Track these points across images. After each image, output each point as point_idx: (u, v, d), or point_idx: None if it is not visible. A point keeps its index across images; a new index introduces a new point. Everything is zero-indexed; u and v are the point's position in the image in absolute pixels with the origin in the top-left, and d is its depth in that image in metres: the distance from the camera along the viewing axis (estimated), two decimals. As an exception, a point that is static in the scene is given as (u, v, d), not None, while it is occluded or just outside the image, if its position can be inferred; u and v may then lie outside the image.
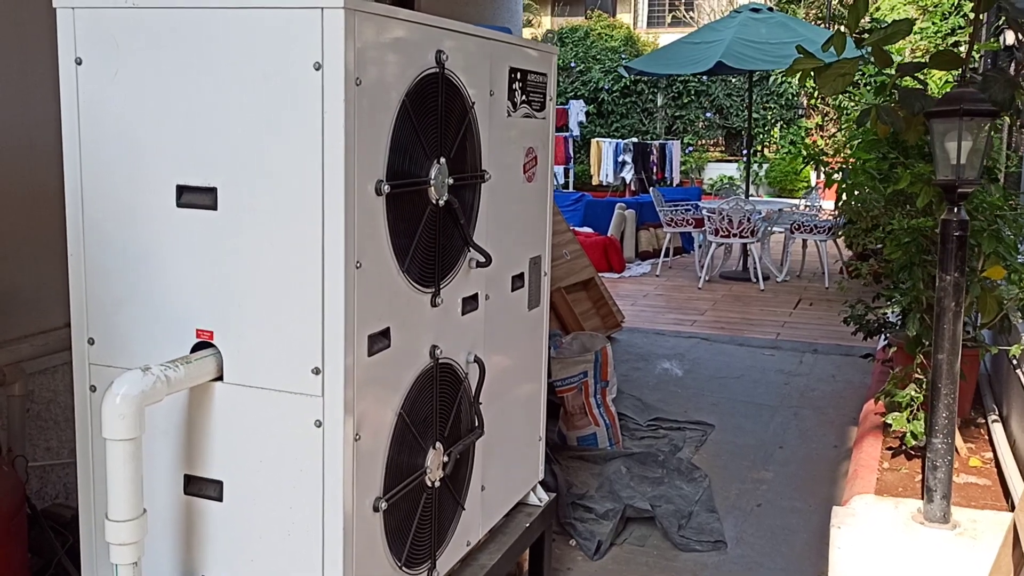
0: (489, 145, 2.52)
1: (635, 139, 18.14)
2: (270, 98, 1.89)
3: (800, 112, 17.89)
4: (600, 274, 9.84)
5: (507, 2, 7.45)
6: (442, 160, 2.24)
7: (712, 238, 9.01)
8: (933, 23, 15.58)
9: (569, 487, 3.95)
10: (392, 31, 2.01)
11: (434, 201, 2.22)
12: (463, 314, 2.45)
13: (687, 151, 18.40)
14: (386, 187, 2.00)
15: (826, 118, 17.75)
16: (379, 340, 2.04)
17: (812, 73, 3.51)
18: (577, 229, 10.66)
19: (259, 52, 1.89)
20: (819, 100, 17.65)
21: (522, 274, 2.87)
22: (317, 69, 1.85)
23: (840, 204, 4.89)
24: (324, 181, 1.87)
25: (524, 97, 2.76)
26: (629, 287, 9.13)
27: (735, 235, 8.89)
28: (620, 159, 17.70)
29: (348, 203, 1.88)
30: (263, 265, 1.94)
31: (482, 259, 2.44)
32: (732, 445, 4.73)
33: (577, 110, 18.11)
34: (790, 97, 17.78)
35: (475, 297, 2.51)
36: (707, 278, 9.29)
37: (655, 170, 17.61)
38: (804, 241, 9.44)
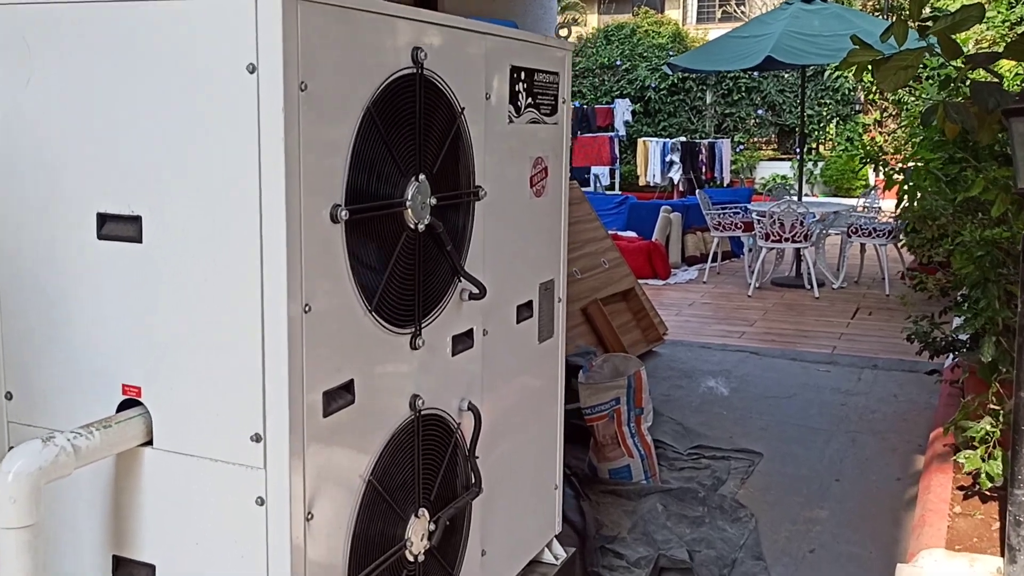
0: (485, 157, 2.17)
1: (683, 138, 17.63)
2: (199, 108, 1.56)
3: (857, 108, 17.20)
4: (644, 281, 9.43)
5: (541, -2, 7.08)
6: (421, 177, 1.89)
7: (763, 243, 8.53)
8: (999, 12, 14.80)
9: (599, 528, 3.58)
10: (352, 25, 1.66)
11: (412, 226, 1.88)
12: (454, 355, 2.10)
13: (737, 150, 17.83)
14: (344, 212, 1.65)
15: (885, 114, 17.04)
16: (339, 396, 1.70)
17: (870, 67, 3.10)
18: (620, 233, 10.27)
19: (186, 52, 1.57)
20: (878, 95, 16.95)
21: (530, 302, 2.51)
22: (252, 72, 1.51)
23: (901, 208, 4.44)
24: (262, 208, 1.54)
25: (530, 100, 2.40)
26: (674, 295, 8.70)
27: (787, 239, 8.41)
28: (668, 159, 17.21)
29: (291, 233, 1.54)
30: (196, 309, 1.61)
31: (475, 290, 2.09)
32: (782, 477, 4.30)
33: (623, 109, 17.67)
34: (847, 92, 17.11)
35: (469, 334, 2.16)
36: (757, 285, 8.81)
37: (704, 170, 17.09)
38: (862, 245, 8.91)
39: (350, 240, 1.69)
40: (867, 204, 9.63)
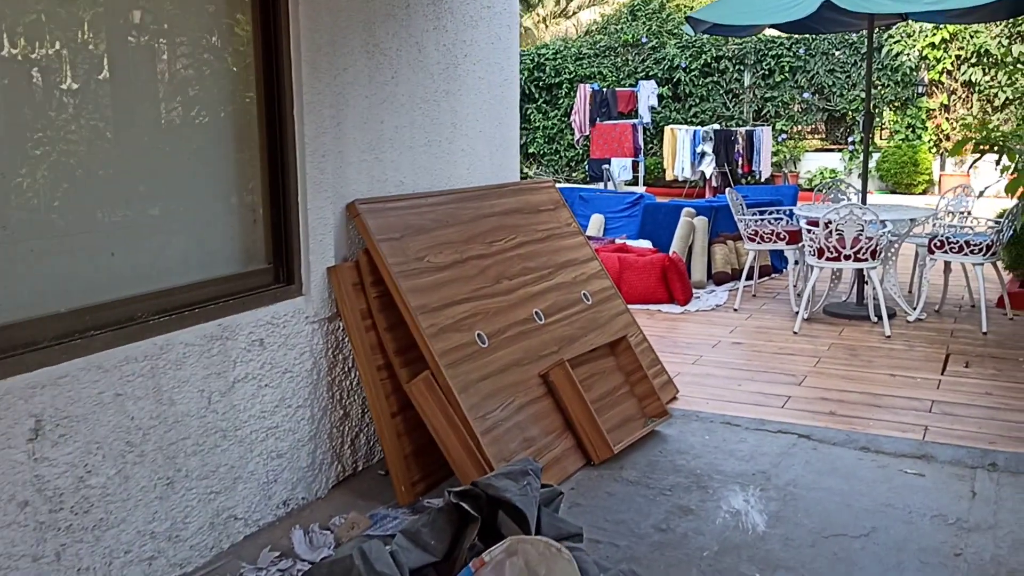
0: None
1: (717, 126, 15.38)
2: None
3: (920, 90, 14.80)
4: (657, 307, 7.28)
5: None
6: None
7: (814, 261, 6.33)
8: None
9: None
10: None
11: None
12: None
13: (780, 139, 15.51)
14: None
15: (954, 97, 14.62)
16: None
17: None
18: (630, 243, 8.11)
19: None
20: (944, 75, 14.54)
21: None
22: None
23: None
24: None
25: None
26: (694, 329, 6.53)
27: (848, 257, 6.20)
28: (699, 150, 14.98)
29: None
30: None
31: None
32: None
33: (648, 92, 15.44)
34: (907, 72, 14.72)
35: None
36: (806, 316, 6.62)
37: (741, 163, 14.82)
38: (947, 264, 6.65)
39: None
40: (953, 207, 7.35)
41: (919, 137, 14.64)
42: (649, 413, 4.53)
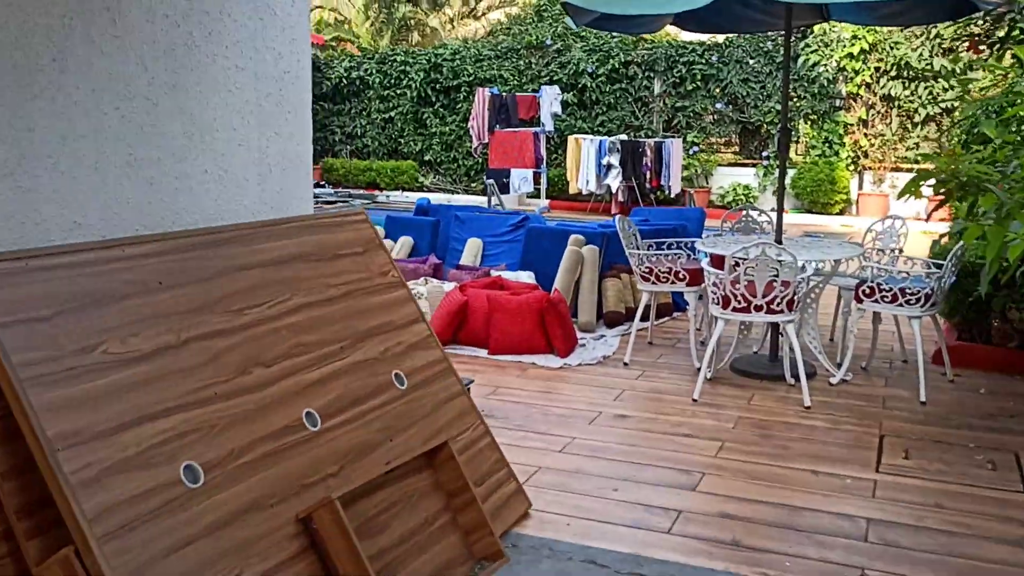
0: None
1: (624, 136, 14.23)
2: None
3: (838, 103, 13.90)
4: (532, 359, 5.96)
5: None
6: None
7: (719, 312, 5.08)
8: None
9: None
10: None
11: None
12: None
13: (691, 152, 14.45)
14: None
15: (872, 111, 13.76)
16: None
17: None
18: (506, 276, 6.77)
19: None
20: (863, 88, 13.65)
21: None
22: None
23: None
24: None
25: None
26: (571, 394, 5.21)
27: (759, 308, 4.97)
28: (605, 161, 13.81)
29: None
30: None
31: None
32: None
33: (550, 98, 14.21)
34: (824, 84, 13.80)
35: None
36: (709, 374, 5.38)
37: (649, 176, 13.69)
38: (876, 315, 5.49)
39: None
40: (882, 241, 6.21)
41: (836, 153, 13.74)
42: (479, 553, 3.17)
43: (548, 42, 15.27)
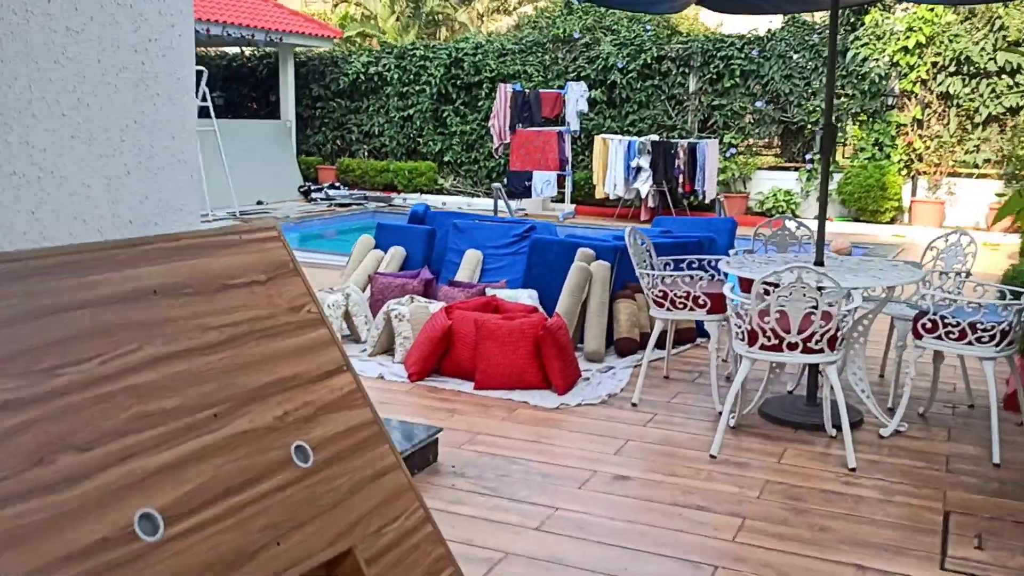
0: None
1: (655, 136, 13.27)
2: None
3: (890, 102, 12.81)
4: (528, 395, 5.06)
5: None
6: None
7: (744, 349, 4.15)
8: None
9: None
10: None
11: None
12: None
13: (727, 154, 13.44)
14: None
15: (928, 111, 12.64)
16: None
17: None
18: (501, 296, 5.92)
19: None
20: (918, 85, 12.55)
21: None
22: None
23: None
24: None
25: None
26: (564, 444, 4.32)
27: (794, 346, 4.03)
28: (634, 164, 12.87)
29: None
30: None
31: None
32: None
33: (577, 95, 13.30)
34: (875, 80, 12.71)
35: None
36: (733, 421, 4.47)
37: (682, 180, 12.73)
38: (938, 354, 4.51)
39: None
40: (944, 260, 5.22)
41: (887, 156, 12.64)
42: None
43: (576, 35, 14.36)
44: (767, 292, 3.99)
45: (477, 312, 5.44)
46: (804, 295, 3.92)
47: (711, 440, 4.30)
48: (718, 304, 4.76)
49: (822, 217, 4.76)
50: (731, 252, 5.48)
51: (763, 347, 4.09)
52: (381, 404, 4.82)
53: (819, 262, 4.64)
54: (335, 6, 23.90)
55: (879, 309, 4.49)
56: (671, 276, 4.85)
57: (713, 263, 5.25)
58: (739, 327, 4.14)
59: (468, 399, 4.96)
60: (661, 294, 4.84)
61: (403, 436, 4.00)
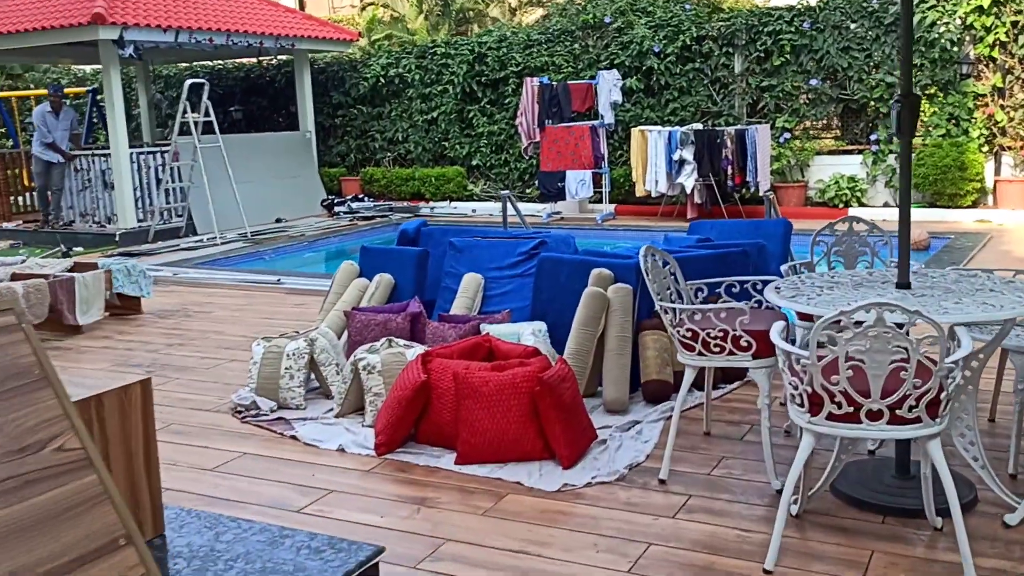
0: None
1: (699, 125, 11.97)
2: None
3: (965, 70, 11.29)
4: (523, 471, 3.84)
5: None
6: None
7: (805, 420, 2.93)
8: None
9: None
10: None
11: None
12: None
13: (780, 140, 12.07)
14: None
15: (1010, 77, 11.09)
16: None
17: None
18: (502, 333, 4.80)
19: None
20: (996, 48, 11.01)
21: None
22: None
23: None
24: None
25: None
26: (558, 555, 3.16)
27: (877, 415, 2.80)
28: (677, 156, 11.59)
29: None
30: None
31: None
32: None
33: (609, 85, 12.08)
34: (946, 47, 11.21)
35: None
36: (796, 509, 3.25)
37: (731, 172, 11.41)
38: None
39: None
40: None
41: (965, 132, 11.13)
42: None
43: (607, 20, 13.11)
44: (833, 339, 2.77)
45: (461, 360, 4.30)
46: (889, 344, 2.69)
47: (766, 540, 3.09)
48: (767, 343, 3.54)
49: (904, 221, 3.50)
50: (784, 268, 4.24)
51: (831, 416, 2.87)
52: (329, 495, 3.72)
53: (903, 283, 3.39)
54: (362, 9, 23.01)
55: (995, 346, 3.22)
56: (702, 310, 3.64)
57: (760, 286, 4.03)
58: (795, 388, 2.93)
59: (445, 481, 3.83)
60: (690, 334, 3.64)
61: (325, 566, 2.88)
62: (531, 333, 4.81)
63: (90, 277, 6.86)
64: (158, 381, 5.47)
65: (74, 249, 11.48)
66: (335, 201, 14.17)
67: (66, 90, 18.40)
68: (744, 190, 11.73)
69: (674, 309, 3.66)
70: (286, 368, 4.86)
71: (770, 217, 6.32)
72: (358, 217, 13.49)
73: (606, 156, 12.29)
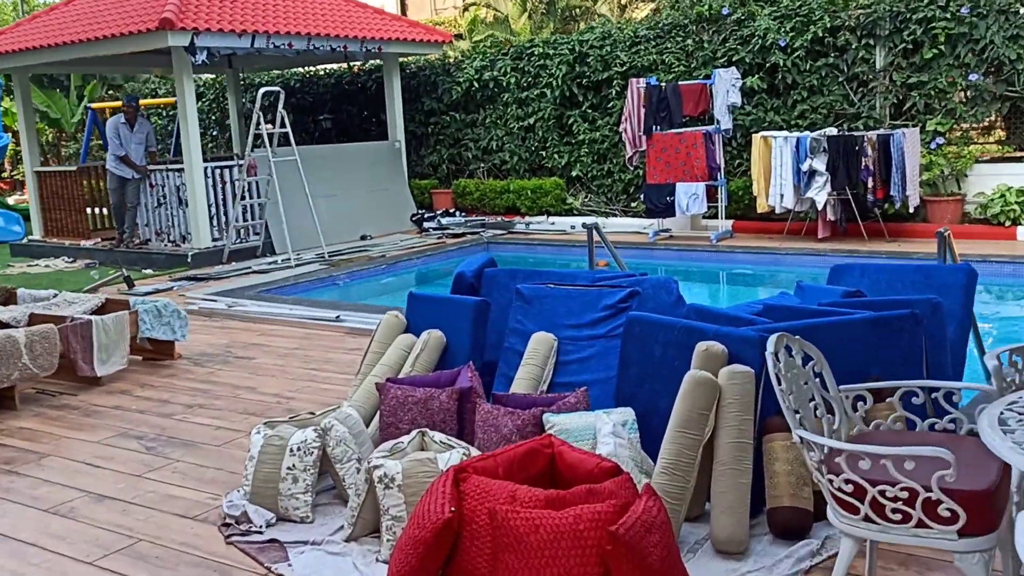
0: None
1: (833, 130, 10.31)
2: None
3: None
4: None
5: None
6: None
7: None
8: None
9: None
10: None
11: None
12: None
13: (932, 146, 10.28)
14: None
15: None
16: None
17: None
18: (569, 429, 3.47)
19: None
20: None
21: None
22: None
23: None
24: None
25: None
26: None
27: None
28: (806, 167, 10.00)
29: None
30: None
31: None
32: None
33: (727, 86, 10.56)
34: None
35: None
36: None
37: (872, 184, 9.75)
38: None
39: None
40: None
41: None
42: None
43: (725, 11, 11.58)
44: None
45: (506, 483, 3.03)
46: None
47: None
48: (982, 513, 2.13)
49: None
50: (990, 359, 2.79)
51: None
52: None
53: None
54: (463, 10, 22.04)
55: None
56: (872, 455, 2.24)
57: (956, 397, 2.59)
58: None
59: None
60: (852, 489, 2.26)
61: None
62: (611, 432, 3.49)
63: (111, 320, 5.93)
64: (153, 464, 4.42)
65: (144, 271, 10.80)
66: (425, 216, 13.13)
67: (160, 100, 18.10)
68: (887, 205, 10.02)
69: (822, 446, 2.29)
70: (288, 469, 3.70)
71: (944, 261, 4.78)
72: (447, 234, 12.40)
73: (722, 166, 10.78)
